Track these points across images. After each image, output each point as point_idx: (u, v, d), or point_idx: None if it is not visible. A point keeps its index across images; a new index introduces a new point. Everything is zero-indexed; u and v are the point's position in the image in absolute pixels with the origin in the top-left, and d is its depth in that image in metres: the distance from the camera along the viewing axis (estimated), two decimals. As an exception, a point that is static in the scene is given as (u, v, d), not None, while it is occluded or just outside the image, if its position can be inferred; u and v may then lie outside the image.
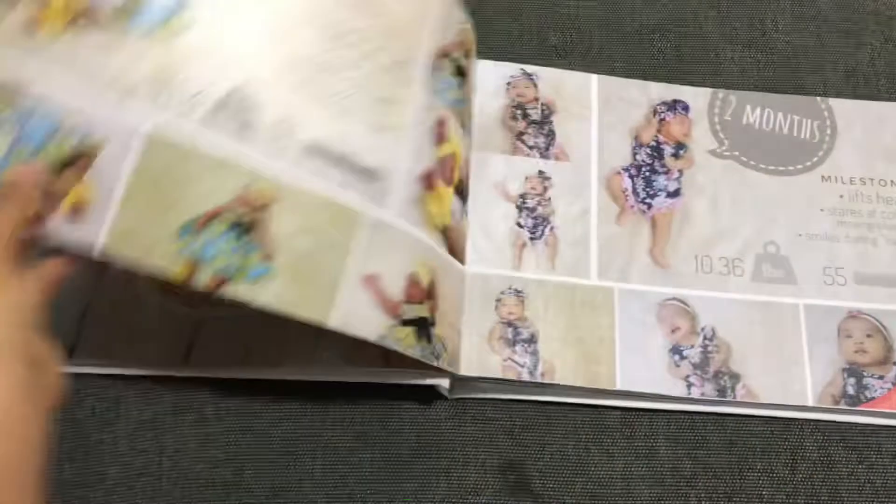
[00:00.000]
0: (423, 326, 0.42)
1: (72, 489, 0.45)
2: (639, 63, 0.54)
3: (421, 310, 0.41)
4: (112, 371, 0.47)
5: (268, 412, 0.46)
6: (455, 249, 0.45)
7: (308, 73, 0.39)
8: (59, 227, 0.34)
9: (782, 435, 0.45)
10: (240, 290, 0.36)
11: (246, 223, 0.37)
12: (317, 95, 0.39)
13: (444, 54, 0.45)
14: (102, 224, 0.35)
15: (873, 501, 0.44)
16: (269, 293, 0.36)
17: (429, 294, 0.42)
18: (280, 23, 0.39)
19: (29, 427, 0.30)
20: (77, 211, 0.35)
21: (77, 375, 0.47)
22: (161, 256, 0.35)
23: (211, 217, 0.36)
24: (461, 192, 0.46)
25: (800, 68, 0.54)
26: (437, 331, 0.42)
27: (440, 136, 0.43)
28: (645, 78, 0.53)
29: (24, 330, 0.31)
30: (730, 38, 0.55)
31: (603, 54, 0.54)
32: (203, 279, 0.36)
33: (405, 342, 0.40)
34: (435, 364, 0.42)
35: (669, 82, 0.53)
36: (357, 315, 0.38)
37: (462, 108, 0.47)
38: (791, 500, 0.44)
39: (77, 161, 0.35)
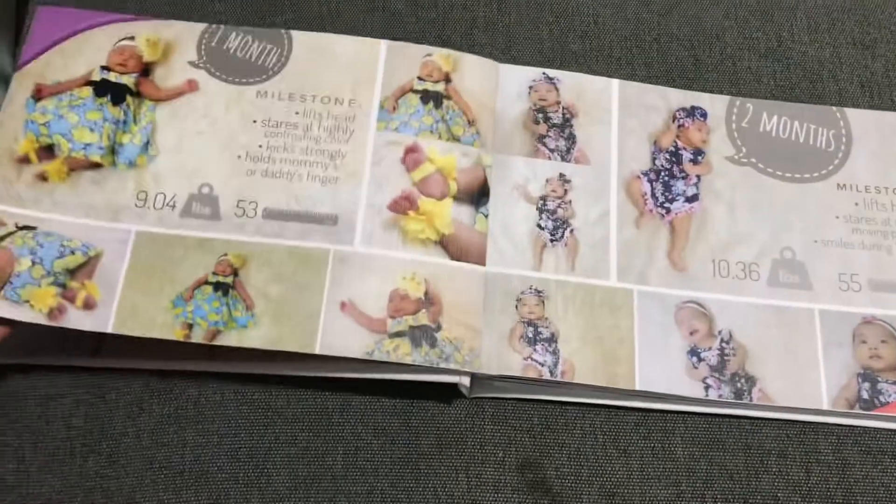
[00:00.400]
0: (423, 334, 0.45)
1: (94, 482, 0.45)
2: (657, 71, 0.55)
3: (416, 319, 0.45)
4: (136, 366, 0.47)
5: (290, 408, 0.47)
6: (466, 253, 0.47)
7: (254, 163, 0.48)
8: (76, 318, 0.44)
9: (797, 438, 0.46)
10: (231, 338, 0.44)
11: (226, 284, 0.45)
12: (266, 175, 0.48)
13: (406, 91, 0.51)
14: (110, 311, 0.44)
15: (888, 504, 0.45)
16: (257, 336, 0.44)
17: (431, 301, 0.45)
18: (223, 136, 0.49)
19: None
20: (88, 305, 0.44)
21: (101, 369, 0.47)
22: (161, 326, 0.44)
23: (197, 285, 0.45)
24: (471, 197, 0.48)
25: (816, 78, 0.55)
26: (444, 334, 0.45)
27: (414, 162, 0.49)
28: (663, 85, 0.53)
29: None
30: (747, 48, 0.55)
31: (622, 62, 0.55)
32: (199, 334, 0.44)
33: (399, 352, 0.44)
34: (442, 366, 0.44)
35: (688, 88, 0.53)
36: (341, 338, 0.44)
37: (445, 126, 0.50)
38: (806, 502, 0.45)
39: (84, 267, 0.45)
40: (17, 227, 0.46)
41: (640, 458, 0.46)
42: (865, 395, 0.46)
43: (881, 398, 0.46)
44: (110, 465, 0.45)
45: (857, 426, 0.46)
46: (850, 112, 0.53)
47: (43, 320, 0.44)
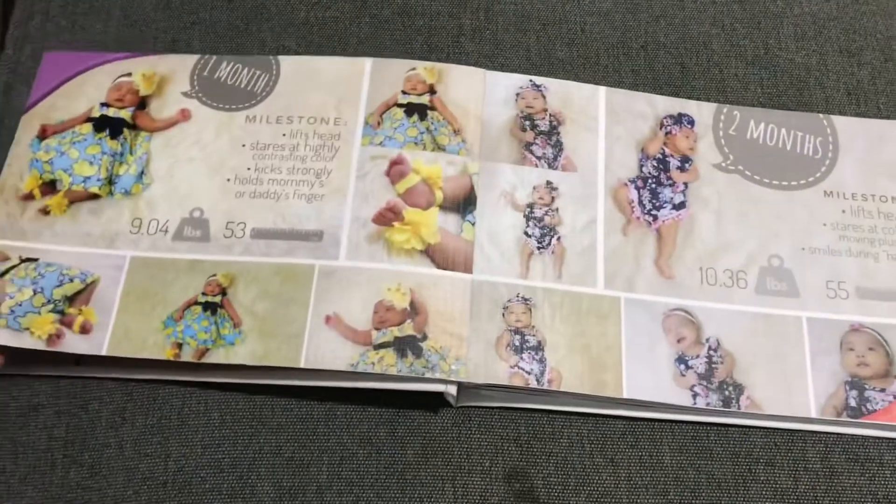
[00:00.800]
0: (408, 344, 0.45)
1: (76, 494, 0.44)
2: (644, 79, 0.55)
3: (402, 329, 0.45)
4: (119, 376, 0.47)
5: (274, 417, 0.46)
6: (452, 261, 0.47)
7: (243, 185, 0.50)
8: (73, 343, 0.45)
9: (785, 446, 0.46)
10: (219, 355, 0.45)
11: (215, 304, 0.46)
12: (254, 196, 0.49)
13: (390, 105, 0.51)
14: (105, 334, 0.46)
15: (876, 513, 0.45)
16: (244, 353, 0.45)
17: (416, 311, 0.45)
18: (213, 161, 0.50)
19: None
20: (85, 329, 0.46)
21: (83, 379, 0.47)
22: (152, 346, 0.45)
23: (187, 306, 0.46)
24: (458, 205, 0.48)
25: (802, 86, 0.55)
26: (430, 343, 0.45)
27: (399, 174, 0.49)
28: (650, 92, 0.53)
29: None
30: (734, 56, 0.56)
31: (609, 69, 0.55)
32: (188, 353, 0.45)
33: (383, 363, 0.44)
34: (428, 376, 0.44)
35: (675, 96, 0.53)
36: (325, 352, 0.45)
37: (430, 136, 0.50)
38: (794, 511, 0.45)
39: (81, 294, 0.47)
40: (20, 259, 0.48)
41: (628, 466, 0.45)
42: (853, 403, 0.46)
43: (868, 406, 0.46)
44: (92, 477, 0.45)
45: (844, 434, 0.46)
46: (837, 119, 0.53)
47: (42, 346, 0.45)
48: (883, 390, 0.46)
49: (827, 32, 0.57)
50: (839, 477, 0.45)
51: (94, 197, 0.49)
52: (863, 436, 0.46)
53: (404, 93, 0.52)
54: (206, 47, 0.55)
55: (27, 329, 0.46)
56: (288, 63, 0.53)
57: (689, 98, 0.53)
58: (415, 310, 0.46)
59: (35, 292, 0.46)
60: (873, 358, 0.47)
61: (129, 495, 0.44)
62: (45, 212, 0.49)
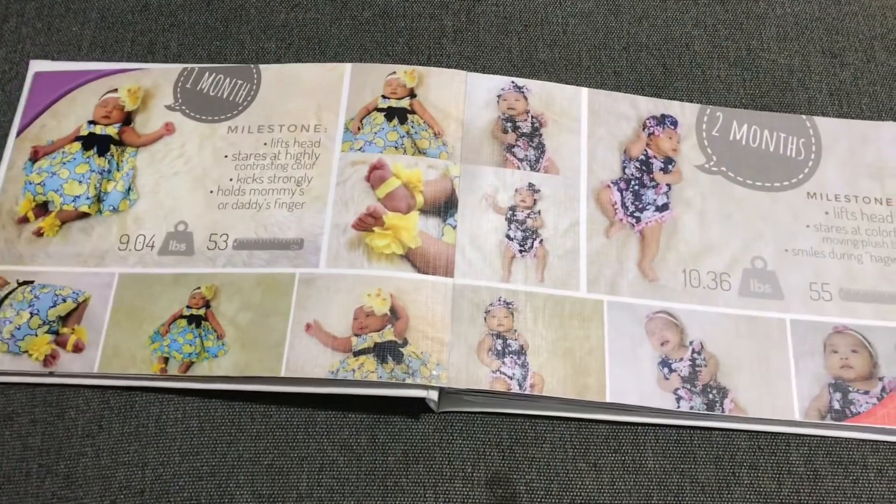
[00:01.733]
0: (388, 350, 0.44)
1: (52, 503, 0.44)
2: (626, 80, 0.54)
3: (382, 335, 0.45)
4: (94, 383, 0.46)
5: (253, 424, 0.45)
6: (433, 265, 0.47)
7: (225, 197, 0.49)
8: (67, 362, 0.46)
9: (769, 449, 0.46)
10: (203, 367, 0.45)
11: (199, 316, 0.46)
12: (236, 207, 0.49)
13: (370, 110, 0.51)
14: (97, 352, 0.46)
15: (860, 516, 0.44)
16: (226, 364, 0.45)
17: (397, 316, 0.45)
18: (197, 173, 0.50)
19: None
20: (78, 348, 0.46)
21: (58, 387, 0.46)
22: (140, 362, 0.46)
23: (173, 320, 0.46)
24: (438, 209, 0.48)
25: (785, 87, 0.55)
26: (411, 349, 0.45)
27: (379, 179, 0.49)
28: (633, 94, 0.53)
29: None
30: (717, 57, 0.55)
31: (591, 70, 0.54)
32: (174, 367, 0.45)
33: (363, 370, 0.44)
34: (409, 381, 0.44)
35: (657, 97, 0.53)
36: (306, 360, 0.44)
37: (410, 140, 0.50)
38: (778, 515, 0.44)
39: (74, 313, 0.47)
40: (17, 283, 0.48)
41: (611, 471, 0.45)
42: (836, 406, 0.45)
43: (852, 408, 0.45)
44: (68, 486, 0.44)
45: (828, 437, 0.46)
46: (820, 120, 0.53)
47: (39, 368, 0.46)
48: (867, 392, 0.46)
49: (809, 33, 0.57)
50: (823, 480, 0.45)
51: (84, 216, 0.49)
52: (847, 438, 0.46)
53: (384, 97, 0.51)
54: (185, 50, 0.55)
55: (25, 352, 0.46)
56: (269, 72, 0.53)
57: (671, 99, 0.53)
58: (395, 315, 0.45)
59: (31, 314, 0.47)
60: (857, 360, 0.46)
61: (105, 505, 0.44)
62: (39, 234, 0.49)
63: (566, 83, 0.53)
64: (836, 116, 0.54)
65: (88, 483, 0.44)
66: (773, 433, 0.46)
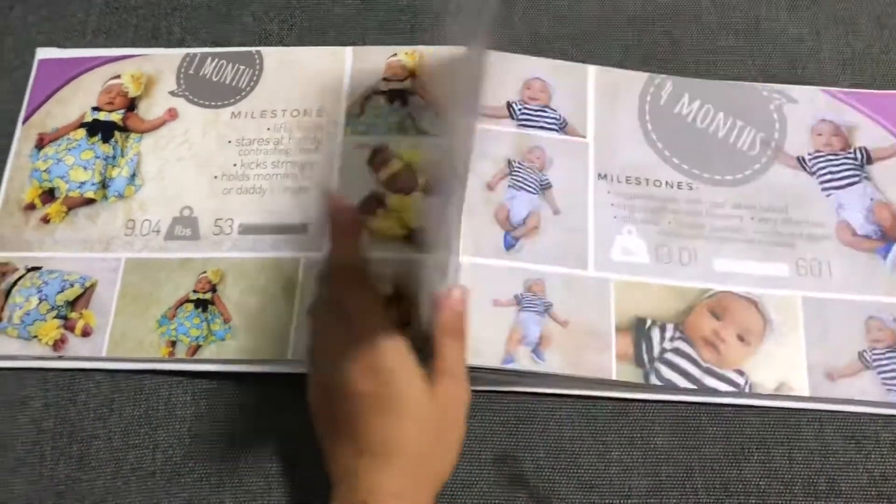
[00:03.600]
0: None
1: (65, 486, 0.44)
2: (633, 53, 0.53)
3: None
4: (104, 366, 0.47)
5: (263, 406, 0.46)
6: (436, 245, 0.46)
7: (230, 182, 0.50)
8: (76, 346, 0.46)
9: (779, 425, 0.45)
10: (211, 351, 0.46)
11: (206, 300, 0.47)
12: (241, 192, 0.49)
13: (372, 93, 0.51)
14: (104, 336, 0.47)
15: (870, 490, 0.44)
16: (234, 347, 0.46)
17: (398, 298, 0.45)
18: (201, 159, 0.50)
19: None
20: (86, 332, 0.47)
21: (69, 371, 0.47)
22: (148, 346, 0.46)
23: (179, 304, 0.47)
24: (443, 188, 0.47)
25: (795, 56, 0.54)
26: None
27: (382, 161, 0.49)
28: (641, 68, 0.52)
29: None
30: (725, 27, 0.54)
31: (598, 45, 0.54)
32: (182, 350, 0.46)
33: None
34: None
35: (664, 72, 0.52)
36: None
37: (412, 122, 0.50)
38: (788, 490, 0.44)
39: (81, 298, 0.47)
40: (26, 269, 0.49)
41: (619, 448, 0.45)
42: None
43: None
44: (81, 469, 0.45)
45: (838, 411, 0.45)
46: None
47: (49, 352, 0.47)
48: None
49: (820, 1, 0.55)
50: (834, 455, 0.44)
51: (90, 202, 0.50)
52: (857, 413, 0.45)
53: (386, 79, 0.51)
54: (188, 34, 0.55)
55: (35, 336, 0.47)
56: (271, 56, 0.53)
57: (680, 73, 0.52)
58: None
59: (40, 300, 0.47)
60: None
61: (118, 486, 0.44)
62: (46, 220, 0.50)
63: (571, 59, 0.52)
64: (849, 86, 0.52)
65: (101, 465, 0.45)
66: (783, 409, 0.45)
